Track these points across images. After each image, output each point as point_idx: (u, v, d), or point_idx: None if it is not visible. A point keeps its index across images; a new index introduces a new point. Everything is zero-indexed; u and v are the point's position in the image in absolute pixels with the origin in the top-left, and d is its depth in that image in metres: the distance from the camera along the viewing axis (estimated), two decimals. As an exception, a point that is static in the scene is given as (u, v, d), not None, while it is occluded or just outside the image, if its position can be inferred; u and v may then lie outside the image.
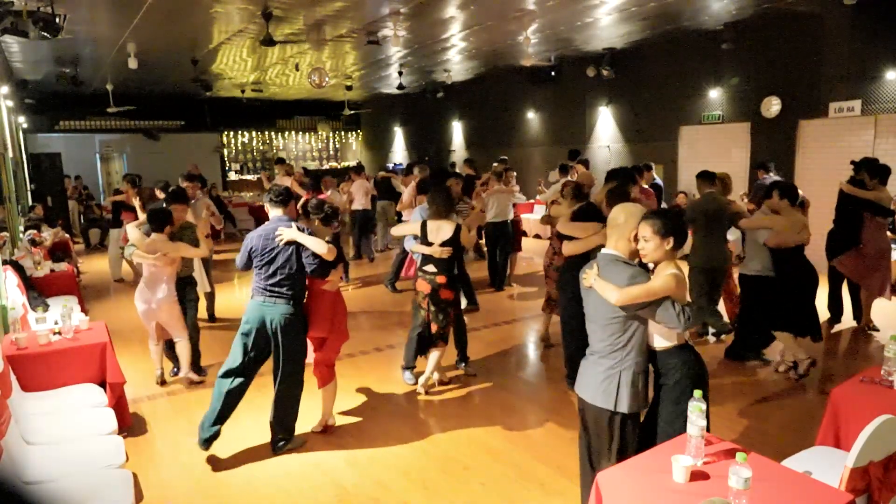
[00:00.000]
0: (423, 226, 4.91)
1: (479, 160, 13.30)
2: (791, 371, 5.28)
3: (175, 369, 5.58)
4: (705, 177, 6.16)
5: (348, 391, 5.23)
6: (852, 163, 6.55)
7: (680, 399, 2.85)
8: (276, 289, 4.02)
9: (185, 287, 5.36)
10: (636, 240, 2.84)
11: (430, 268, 4.89)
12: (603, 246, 4.29)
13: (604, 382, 2.85)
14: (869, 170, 6.27)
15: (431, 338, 5.02)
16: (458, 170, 11.63)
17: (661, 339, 2.87)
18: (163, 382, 5.42)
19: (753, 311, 5.34)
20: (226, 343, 6.63)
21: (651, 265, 2.89)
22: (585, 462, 3.08)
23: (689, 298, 2.81)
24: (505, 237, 8.47)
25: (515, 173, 8.89)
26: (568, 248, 4.71)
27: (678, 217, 2.90)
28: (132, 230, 5.15)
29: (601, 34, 10.07)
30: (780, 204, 5.08)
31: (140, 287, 5.11)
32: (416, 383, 5.23)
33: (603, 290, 2.78)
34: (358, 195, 10.43)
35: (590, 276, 2.87)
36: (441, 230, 4.84)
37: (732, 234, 9.84)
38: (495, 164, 12.28)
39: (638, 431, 2.95)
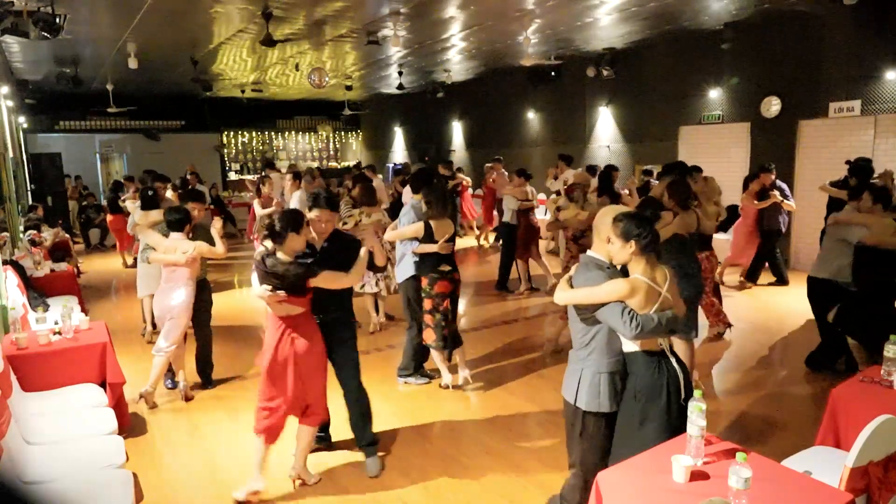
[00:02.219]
0: (427, 227, 4.88)
1: (480, 160, 13.33)
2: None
3: (169, 382, 5.30)
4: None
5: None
6: (847, 162, 6.61)
7: (630, 406, 2.83)
8: None
9: (200, 289, 5.15)
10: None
11: (446, 266, 4.95)
12: (678, 234, 4.52)
13: (570, 376, 2.98)
14: (850, 169, 6.31)
15: (456, 337, 5.14)
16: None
17: (626, 344, 2.86)
18: (188, 398, 5.11)
19: (822, 317, 5.23)
20: (234, 353, 6.63)
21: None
22: None
23: (648, 306, 2.72)
24: (505, 238, 8.45)
25: (504, 172, 8.57)
26: None
27: (646, 221, 2.79)
28: (149, 233, 5.04)
29: (601, 34, 10.06)
30: (875, 208, 4.91)
31: (160, 290, 4.91)
32: (427, 382, 5.34)
33: (558, 288, 2.91)
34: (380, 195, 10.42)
35: (565, 276, 2.99)
36: (445, 227, 4.91)
37: (731, 234, 9.85)
38: (486, 165, 12.36)
39: (605, 432, 2.94)
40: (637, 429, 2.81)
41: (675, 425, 2.77)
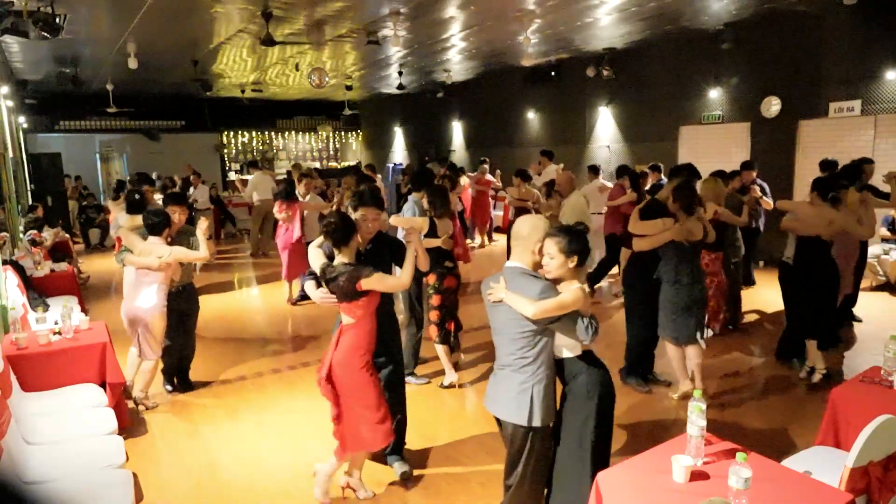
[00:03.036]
0: (432, 222, 5.02)
1: (480, 160, 13.32)
2: (807, 376, 5.24)
3: (168, 386, 5.26)
4: (724, 178, 6.31)
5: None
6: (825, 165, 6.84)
7: (585, 405, 2.86)
8: None
9: (186, 295, 5.06)
10: (541, 253, 2.84)
11: (449, 263, 5.09)
12: (674, 241, 4.43)
13: (517, 398, 2.82)
14: (821, 164, 6.90)
15: (456, 333, 5.36)
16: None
17: (567, 350, 2.90)
18: (159, 401, 5.02)
19: (788, 302, 5.44)
20: (235, 354, 6.63)
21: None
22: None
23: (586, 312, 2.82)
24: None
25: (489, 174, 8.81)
26: (638, 245, 4.72)
27: (582, 236, 2.86)
28: (129, 235, 4.80)
29: (601, 34, 10.06)
30: (812, 196, 5.16)
31: (126, 295, 4.74)
32: (427, 382, 5.38)
33: (517, 304, 2.74)
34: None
35: (497, 290, 2.82)
36: (446, 225, 5.07)
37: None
38: (482, 167, 12.45)
39: (549, 442, 2.96)
40: (594, 425, 2.84)
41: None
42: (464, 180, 12.53)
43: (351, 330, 3.39)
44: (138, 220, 5.48)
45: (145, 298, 4.65)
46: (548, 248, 2.81)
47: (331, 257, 3.45)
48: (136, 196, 5.97)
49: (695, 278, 4.61)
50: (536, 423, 2.81)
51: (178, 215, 4.94)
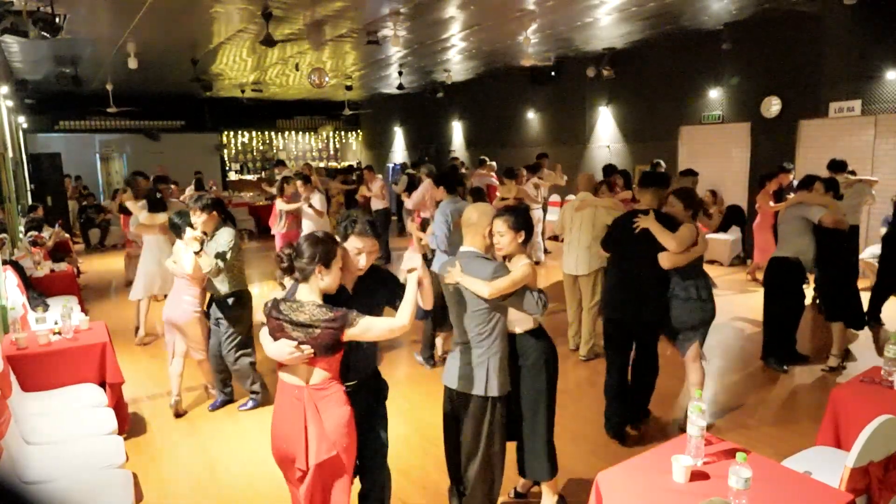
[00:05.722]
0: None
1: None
2: (839, 369, 5.35)
3: (216, 401, 4.99)
4: (687, 174, 6.52)
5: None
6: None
7: (538, 377, 3.20)
8: None
9: (221, 306, 4.70)
10: (491, 236, 3.05)
11: None
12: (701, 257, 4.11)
13: (475, 370, 3.00)
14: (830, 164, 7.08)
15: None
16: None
17: (521, 324, 3.19)
18: (179, 414, 4.80)
19: (777, 299, 5.42)
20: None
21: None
22: (454, 455, 3.22)
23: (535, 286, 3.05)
24: None
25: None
26: (674, 260, 3.99)
27: (526, 213, 3.19)
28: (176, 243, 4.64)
29: (601, 34, 10.07)
30: (828, 195, 5.35)
31: (168, 299, 4.79)
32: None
33: (472, 285, 2.92)
34: (379, 194, 10.73)
35: (454, 274, 2.98)
36: None
37: (732, 234, 9.87)
38: (489, 164, 12.43)
39: (505, 410, 3.12)
40: (546, 394, 3.22)
41: None
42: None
43: (333, 388, 2.57)
44: (159, 218, 6.08)
45: (177, 305, 4.63)
46: (497, 227, 3.03)
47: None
48: (157, 195, 6.35)
49: (710, 294, 4.13)
50: (493, 392, 2.99)
51: (195, 219, 4.42)
